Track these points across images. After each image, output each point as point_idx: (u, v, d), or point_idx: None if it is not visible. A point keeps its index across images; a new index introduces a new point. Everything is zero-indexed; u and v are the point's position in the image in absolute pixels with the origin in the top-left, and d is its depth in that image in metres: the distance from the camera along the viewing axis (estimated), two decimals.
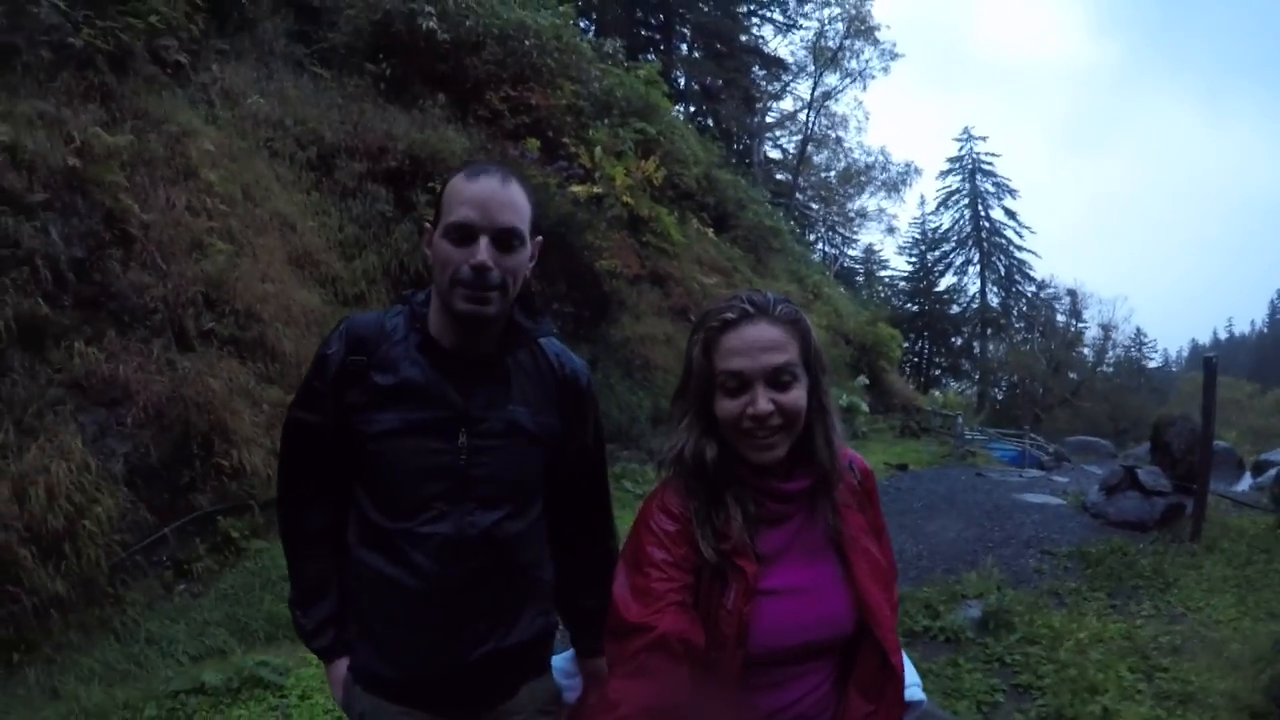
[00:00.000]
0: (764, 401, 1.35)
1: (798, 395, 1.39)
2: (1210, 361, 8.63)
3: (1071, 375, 41.70)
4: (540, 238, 1.70)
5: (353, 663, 1.72)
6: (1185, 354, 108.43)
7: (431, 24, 11.85)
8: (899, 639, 1.50)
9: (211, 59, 9.08)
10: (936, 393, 22.52)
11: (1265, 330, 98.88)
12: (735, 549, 1.38)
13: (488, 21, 12.85)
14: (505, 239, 1.56)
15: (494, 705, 1.73)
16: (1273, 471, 12.55)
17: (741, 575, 1.36)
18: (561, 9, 15.40)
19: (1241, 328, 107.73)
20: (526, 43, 13.16)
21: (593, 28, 28.38)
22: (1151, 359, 58.24)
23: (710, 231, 17.93)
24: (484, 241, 1.53)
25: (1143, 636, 5.45)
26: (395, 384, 1.61)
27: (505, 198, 1.57)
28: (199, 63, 8.68)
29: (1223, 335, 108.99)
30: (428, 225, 1.65)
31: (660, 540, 1.40)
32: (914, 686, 1.67)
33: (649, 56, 30.25)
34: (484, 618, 1.67)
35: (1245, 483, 13.81)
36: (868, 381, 17.31)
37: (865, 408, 16.50)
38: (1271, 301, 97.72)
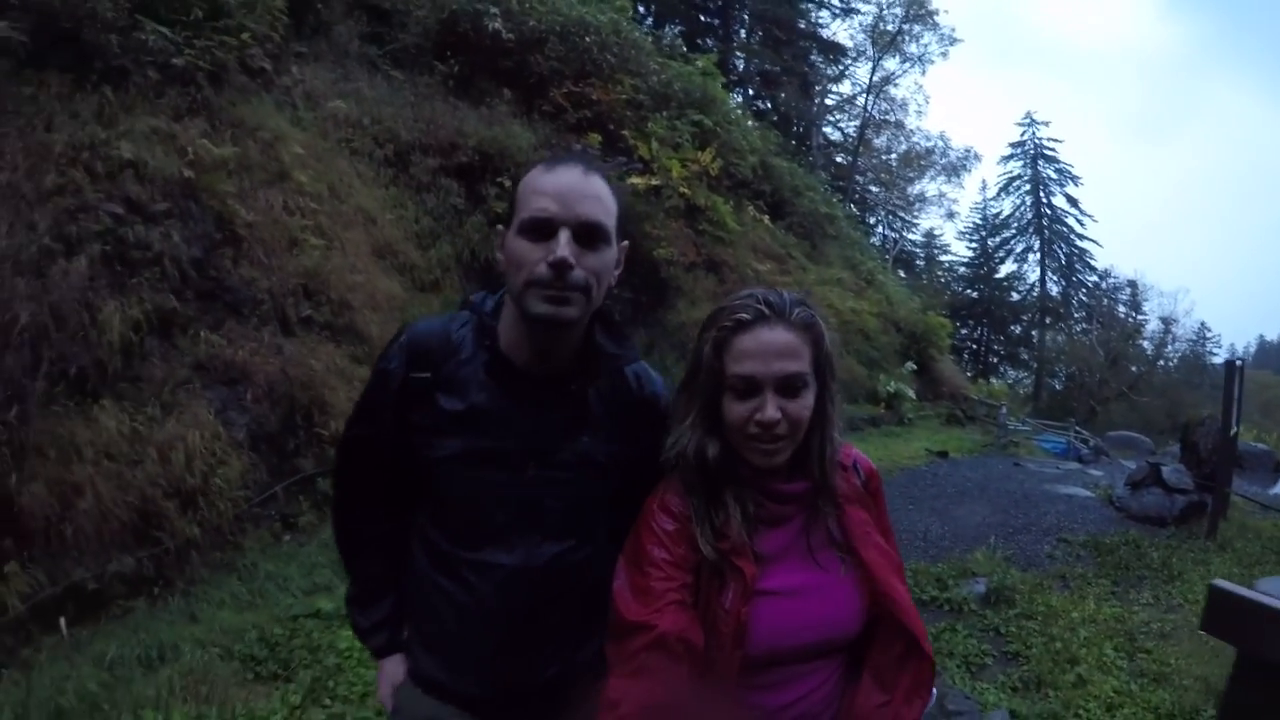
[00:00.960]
0: (772, 409, 1.37)
1: (805, 404, 1.41)
2: (1232, 364, 9.05)
3: (1133, 368, 41.29)
4: (627, 243, 1.60)
5: (416, 667, 1.69)
6: (1253, 349, 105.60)
7: (496, 24, 12.50)
8: (922, 624, 1.51)
9: (291, 62, 9.72)
10: (983, 381, 22.65)
11: None
12: (734, 549, 1.40)
13: (549, 19, 13.47)
14: (589, 233, 1.43)
15: (556, 714, 1.70)
16: None
17: (740, 576, 1.39)
18: (618, 3, 16.02)
19: None
20: (587, 39, 13.76)
21: (650, 17, 28.86)
22: (1216, 354, 57.04)
23: (766, 219, 18.39)
24: (565, 235, 1.40)
25: (1135, 621, 5.89)
26: (463, 410, 1.53)
27: (588, 189, 1.44)
28: (281, 66, 9.29)
29: None
30: (500, 228, 1.54)
31: (660, 539, 1.43)
32: None
33: (708, 42, 30.67)
34: (551, 641, 1.63)
35: None
36: (915, 368, 17.73)
37: (912, 394, 16.95)
38: None
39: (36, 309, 4.47)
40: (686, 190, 13.79)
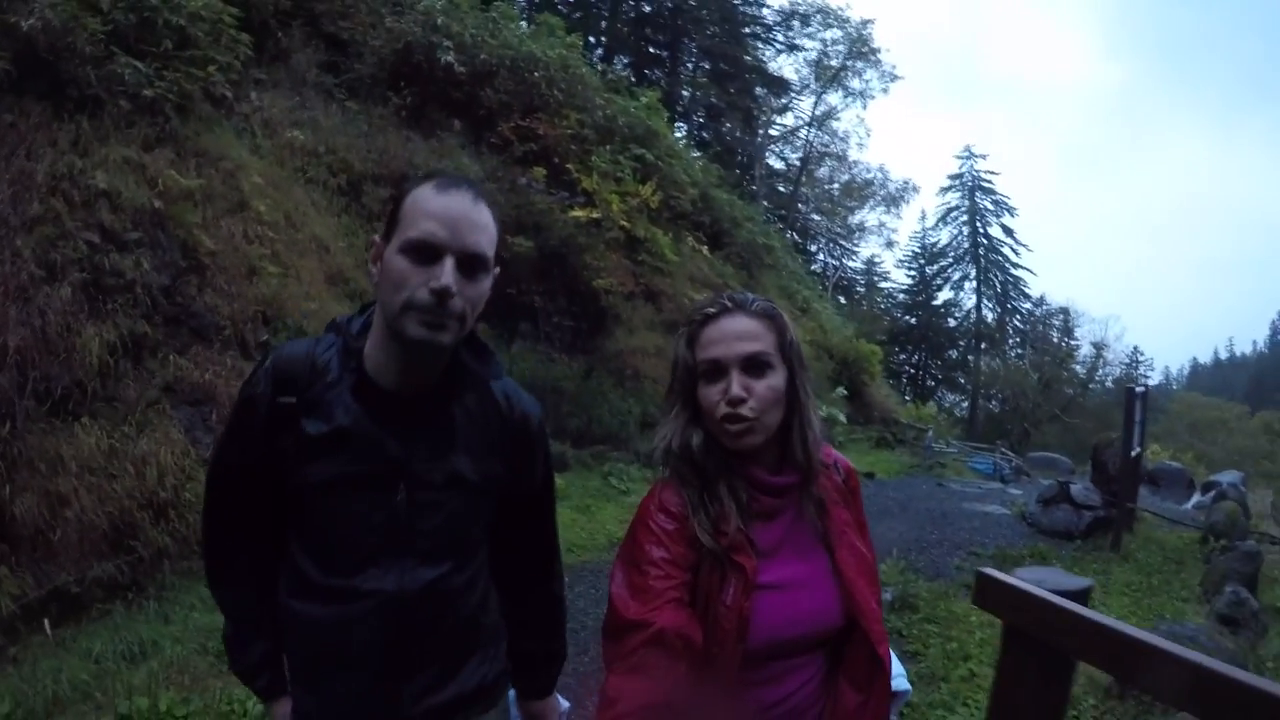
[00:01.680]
0: (737, 386, 1.44)
1: (772, 384, 1.47)
2: (1132, 391, 9.84)
3: (1066, 391, 42.88)
4: (498, 269, 1.56)
5: (297, 707, 1.65)
6: (1187, 371, 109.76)
7: (449, 57, 13.07)
8: (885, 630, 1.58)
9: (251, 87, 10.15)
10: (913, 405, 23.57)
11: (1266, 351, 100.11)
12: (733, 545, 1.44)
13: (500, 53, 14.11)
14: (471, 264, 1.45)
15: None
16: (1213, 492, 13.69)
17: (740, 571, 1.42)
18: (569, 40, 16.68)
19: (1243, 348, 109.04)
20: (536, 74, 14.41)
21: (600, 48, 29.64)
22: (1149, 377, 59.25)
23: (705, 249, 18.99)
24: (450, 263, 1.41)
25: None
26: (328, 433, 1.51)
27: (477, 218, 1.46)
28: (240, 93, 9.71)
29: (1224, 355, 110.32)
30: (375, 239, 1.52)
31: (659, 539, 1.46)
32: (899, 677, 1.75)
33: (655, 73, 31.59)
34: (424, 671, 1.60)
35: (1193, 501, 14.81)
36: (846, 393, 18.48)
37: (843, 418, 17.63)
38: (1273, 322, 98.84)
39: (26, 333, 4.87)
40: (626, 223, 14.34)
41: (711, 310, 1.53)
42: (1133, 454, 9.62)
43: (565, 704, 2.01)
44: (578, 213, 13.45)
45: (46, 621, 4.41)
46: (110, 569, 4.93)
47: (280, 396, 1.51)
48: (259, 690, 1.71)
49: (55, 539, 4.67)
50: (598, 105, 15.93)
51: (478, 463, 1.61)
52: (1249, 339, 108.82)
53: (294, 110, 10.90)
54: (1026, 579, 1.67)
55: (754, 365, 1.46)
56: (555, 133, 14.19)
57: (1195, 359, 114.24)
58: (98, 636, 4.50)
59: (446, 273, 1.39)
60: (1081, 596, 1.60)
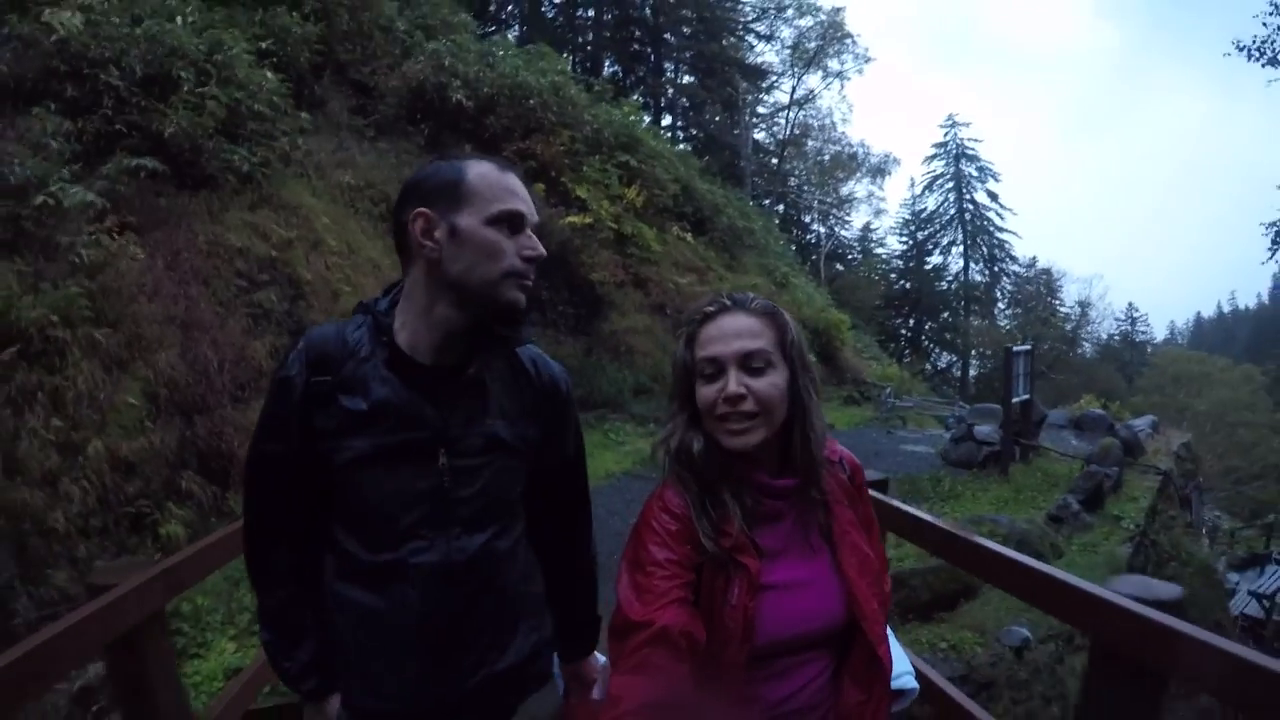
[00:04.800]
0: (735, 384, 1.45)
1: (772, 382, 1.48)
2: (1010, 350, 12.58)
3: (1048, 348, 45.45)
4: None
5: (347, 698, 1.70)
6: (1190, 326, 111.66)
7: (459, 95, 15.89)
8: (887, 630, 1.62)
9: (299, 136, 12.52)
10: (876, 366, 26.29)
11: (1267, 303, 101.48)
12: (737, 546, 1.46)
13: (498, 83, 16.81)
14: (539, 233, 1.60)
15: None
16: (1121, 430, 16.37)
17: (745, 571, 1.45)
18: (559, 66, 19.48)
19: (1248, 300, 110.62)
20: (531, 101, 17.09)
21: (587, 52, 32.46)
22: (1145, 332, 61.75)
23: (688, 236, 21.55)
24: (531, 230, 1.57)
25: None
26: (366, 408, 1.56)
27: (532, 192, 1.61)
28: (292, 143, 12.06)
29: (1227, 309, 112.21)
30: (425, 212, 1.55)
31: (662, 539, 1.48)
32: (906, 675, 1.85)
33: (640, 70, 34.43)
34: (476, 644, 1.65)
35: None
36: (814, 358, 21.07)
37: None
38: (1275, 275, 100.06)
39: (219, 349, 7.75)
40: (614, 224, 17.14)
41: (710, 309, 1.55)
42: (1015, 401, 12.38)
43: (603, 659, 2.03)
44: (573, 219, 16.27)
45: None
46: None
47: (316, 376, 1.57)
48: (307, 693, 1.74)
49: None
50: (586, 121, 18.69)
51: (513, 426, 1.67)
52: (1253, 292, 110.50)
53: (335, 152, 13.69)
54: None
55: (753, 363, 1.47)
56: (551, 151, 16.96)
57: (1199, 313, 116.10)
58: None
59: (536, 240, 1.56)
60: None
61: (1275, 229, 19.10)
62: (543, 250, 1.58)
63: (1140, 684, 1.91)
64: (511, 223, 1.55)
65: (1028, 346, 13.88)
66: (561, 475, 1.87)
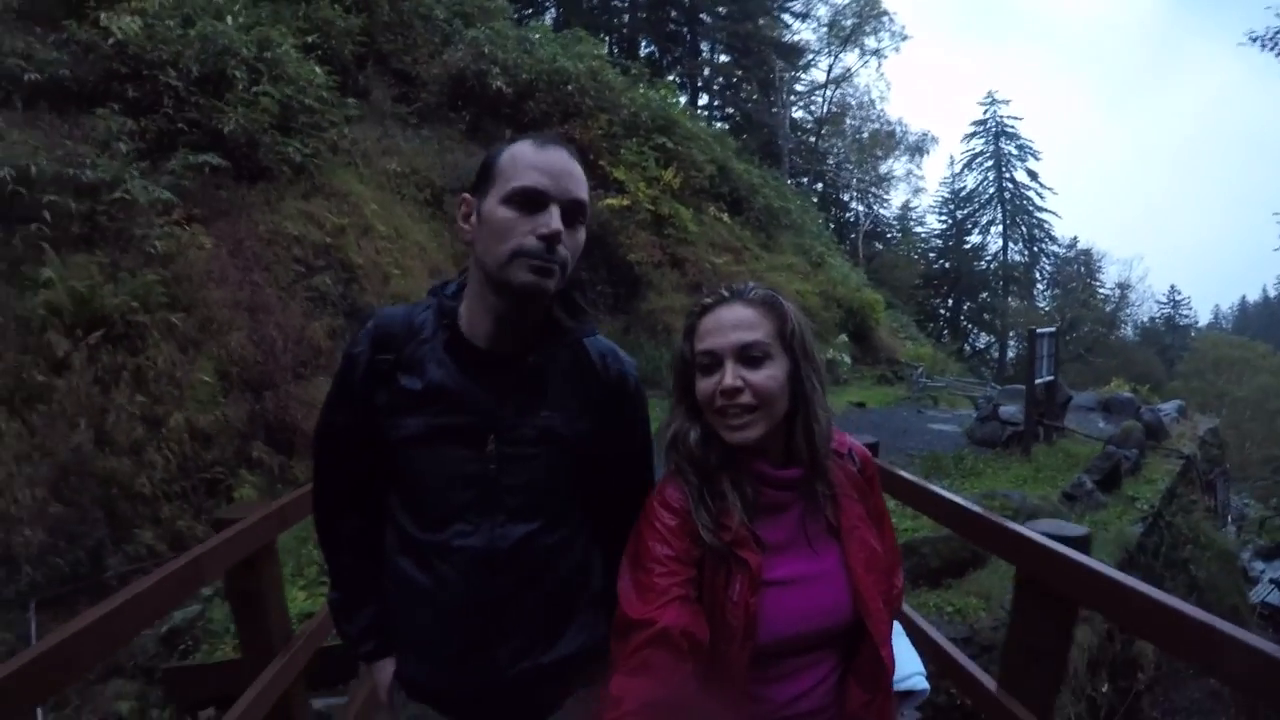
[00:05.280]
0: (731, 377, 1.44)
1: (770, 375, 1.46)
2: (1034, 333, 12.90)
3: (1099, 329, 45.29)
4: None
5: (400, 668, 1.74)
6: (1236, 311, 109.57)
7: (499, 82, 16.38)
8: (891, 629, 1.58)
9: (345, 126, 13.13)
10: (911, 346, 26.53)
11: None
12: (737, 540, 1.44)
13: (536, 69, 17.33)
14: (573, 212, 1.52)
15: (539, 718, 1.72)
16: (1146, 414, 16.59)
17: (745, 567, 1.43)
18: (595, 51, 19.94)
19: None
20: (569, 86, 17.61)
21: (623, 34, 32.86)
22: (1188, 315, 61.05)
23: (725, 216, 21.94)
24: (555, 210, 1.48)
25: None
26: (422, 388, 1.59)
27: (574, 170, 1.54)
28: (339, 133, 12.70)
29: (1273, 292, 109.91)
30: (466, 197, 1.59)
31: (662, 535, 1.47)
32: (917, 675, 1.79)
33: (677, 50, 34.76)
34: (520, 633, 1.64)
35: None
36: (845, 338, 21.44)
37: (848, 359, 20.67)
38: None
39: (282, 330, 8.39)
40: (651, 206, 17.67)
41: (709, 301, 1.54)
42: (1038, 382, 12.74)
43: None
44: (611, 201, 16.84)
45: None
46: None
47: (379, 354, 1.61)
48: (364, 655, 1.81)
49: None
50: (623, 105, 19.19)
51: (570, 420, 1.64)
52: None
53: (381, 140, 14.29)
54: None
55: (750, 355, 1.46)
56: (589, 135, 17.49)
57: (1244, 297, 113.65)
58: None
59: (555, 218, 1.47)
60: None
61: None
62: (557, 227, 1.47)
63: (1047, 606, 2.34)
64: (526, 200, 1.48)
65: (1053, 329, 14.14)
66: (625, 471, 1.80)
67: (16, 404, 6.28)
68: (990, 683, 2.55)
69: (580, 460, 1.68)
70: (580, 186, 1.55)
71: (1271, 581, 15.18)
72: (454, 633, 1.63)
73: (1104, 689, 7.55)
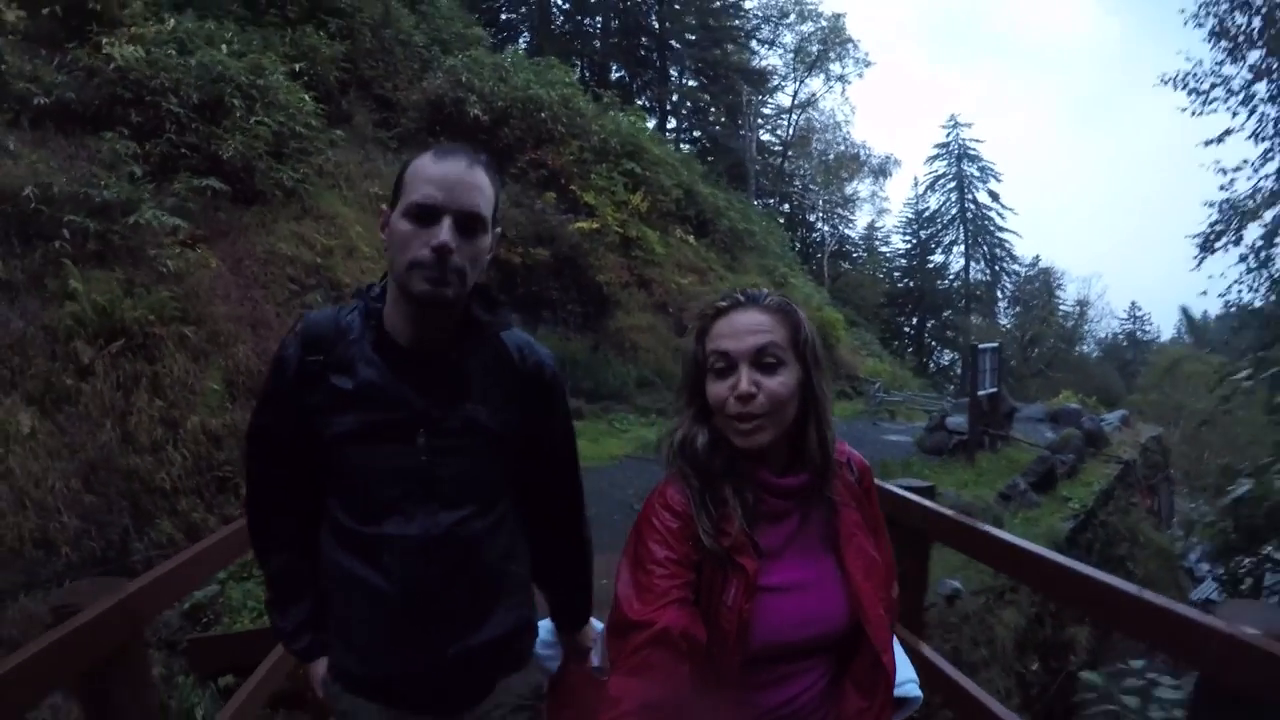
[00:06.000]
0: (746, 382, 1.44)
1: (784, 380, 1.47)
2: (975, 348, 13.91)
3: (1060, 346, 46.61)
4: (499, 229, 1.72)
5: (331, 661, 1.82)
6: (1199, 324, 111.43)
7: (476, 110, 17.20)
8: (892, 636, 1.59)
9: (328, 148, 13.81)
10: (870, 362, 27.57)
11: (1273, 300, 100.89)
12: (736, 546, 1.46)
13: (512, 96, 18.14)
14: (468, 223, 1.58)
15: (471, 703, 1.79)
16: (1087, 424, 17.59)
17: (742, 572, 1.45)
18: (567, 80, 20.90)
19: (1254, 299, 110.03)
20: (542, 114, 18.42)
21: (595, 54, 33.91)
22: (1147, 331, 62.52)
23: (691, 238, 22.82)
24: (447, 222, 1.54)
25: None
26: (353, 388, 1.65)
27: (471, 180, 1.59)
28: (324, 158, 13.44)
29: (1233, 308, 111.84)
30: (383, 208, 1.69)
31: (663, 537, 1.48)
32: (910, 684, 1.82)
33: (648, 73, 35.95)
34: (454, 616, 1.73)
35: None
36: None
37: None
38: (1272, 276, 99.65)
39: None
40: (620, 229, 18.52)
41: (723, 304, 1.54)
42: (981, 394, 13.70)
43: (599, 625, 2.11)
44: (581, 224, 17.65)
45: None
46: None
47: (309, 356, 1.68)
48: (299, 652, 1.89)
49: None
50: (594, 131, 20.07)
51: (494, 411, 1.74)
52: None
53: (363, 163, 15.02)
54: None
55: (765, 360, 1.47)
56: (561, 160, 18.36)
57: (1206, 312, 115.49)
58: None
59: (444, 231, 1.54)
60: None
61: (1201, 239, 20.97)
62: (444, 239, 1.55)
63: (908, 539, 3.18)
64: (420, 213, 1.56)
65: (995, 344, 15.13)
66: (548, 458, 1.90)
67: (47, 405, 7.00)
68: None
69: (506, 449, 1.79)
70: (477, 195, 1.61)
71: (1214, 579, 16.07)
72: (394, 620, 1.70)
73: (1034, 667, 8.43)
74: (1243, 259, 20.18)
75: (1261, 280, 19.56)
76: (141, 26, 11.03)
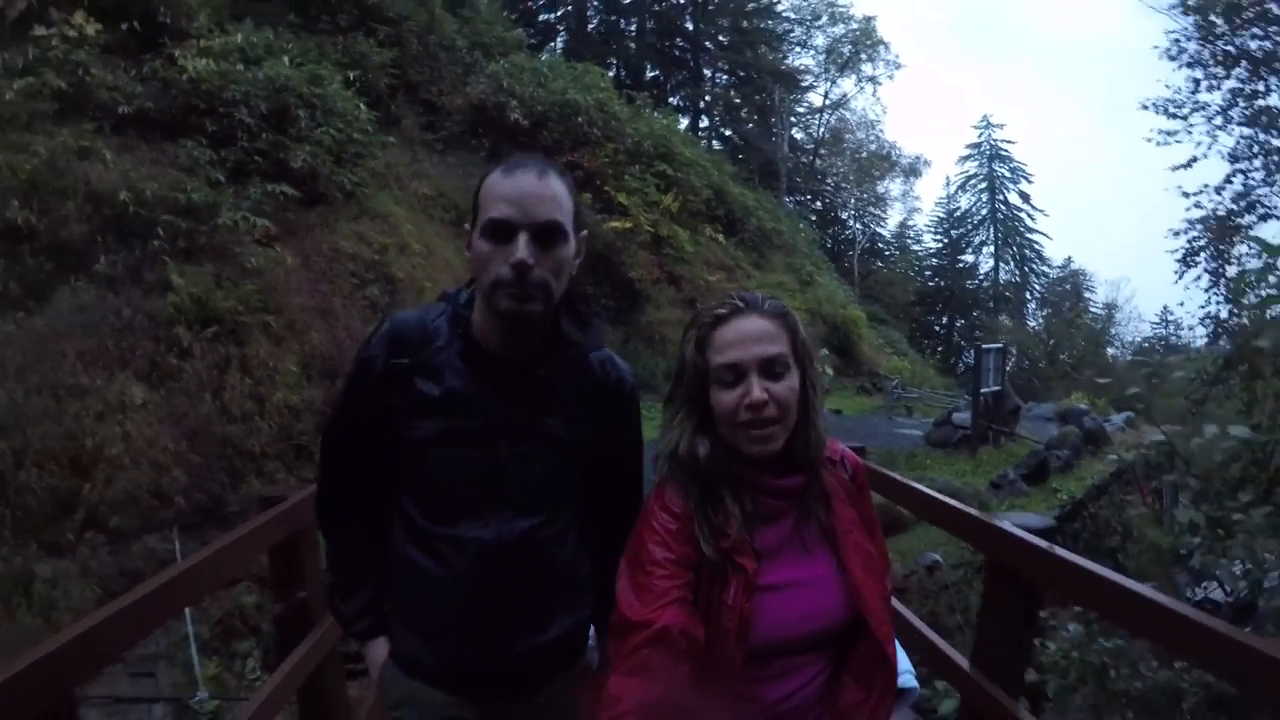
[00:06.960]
0: (758, 390, 1.43)
1: (790, 385, 1.47)
2: (979, 348, 14.98)
3: (1077, 348, 47.00)
4: (585, 232, 1.71)
5: (395, 648, 1.82)
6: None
7: (516, 115, 18.41)
8: (893, 628, 1.60)
9: (380, 151, 15.01)
10: (892, 359, 28.42)
11: None
12: (735, 547, 1.45)
13: (550, 100, 19.38)
14: (546, 235, 1.56)
15: (531, 693, 1.82)
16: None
17: (742, 572, 1.45)
18: (603, 84, 22.09)
19: None
20: (579, 118, 19.64)
21: (630, 56, 35.00)
22: (1179, 335, 62.37)
23: (720, 237, 23.91)
24: (523, 238, 1.53)
25: None
26: (438, 394, 1.66)
27: (544, 191, 1.57)
28: (376, 161, 14.62)
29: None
30: (465, 227, 1.66)
31: (662, 538, 1.48)
32: (906, 674, 1.82)
33: (681, 74, 37.01)
34: (521, 616, 1.74)
35: None
36: (827, 352, 23.20)
37: (830, 371, 22.41)
38: None
39: (346, 332, 10.40)
40: (652, 228, 19.71)
41: (723, 311, 1.51)
42: (985, 392, 14.72)
43: None
44: (614, 223, 18.88)
45: None
46: None
47: (394, 358, 1.66)
48: (358, 633, 1.88)
49: None
50: (628, 134, 21.28)
51: (572, 424, 1.74)
52: None
53: (411, 165, 16.35)
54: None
55: (773, 368, 1.46)
56: (596, 163, 19.58)
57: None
58: None
59: (521, 247, 1.51)
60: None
61: (1182, 255, 22.44)
62: (521, 256, 1.52)
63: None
64: (496, 231, 1.55)
65: (999, 344, 16.14)
66: (617, 470, 1.90)
67: (154, 381, 8.33)
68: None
69: (580, 460, 1.78)
70: (551, 206, 1.58)
71: (1215, 579, 16.85)
72: (462, 615, 1.70)
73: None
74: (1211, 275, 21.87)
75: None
76: (208, 39, 12.25)
